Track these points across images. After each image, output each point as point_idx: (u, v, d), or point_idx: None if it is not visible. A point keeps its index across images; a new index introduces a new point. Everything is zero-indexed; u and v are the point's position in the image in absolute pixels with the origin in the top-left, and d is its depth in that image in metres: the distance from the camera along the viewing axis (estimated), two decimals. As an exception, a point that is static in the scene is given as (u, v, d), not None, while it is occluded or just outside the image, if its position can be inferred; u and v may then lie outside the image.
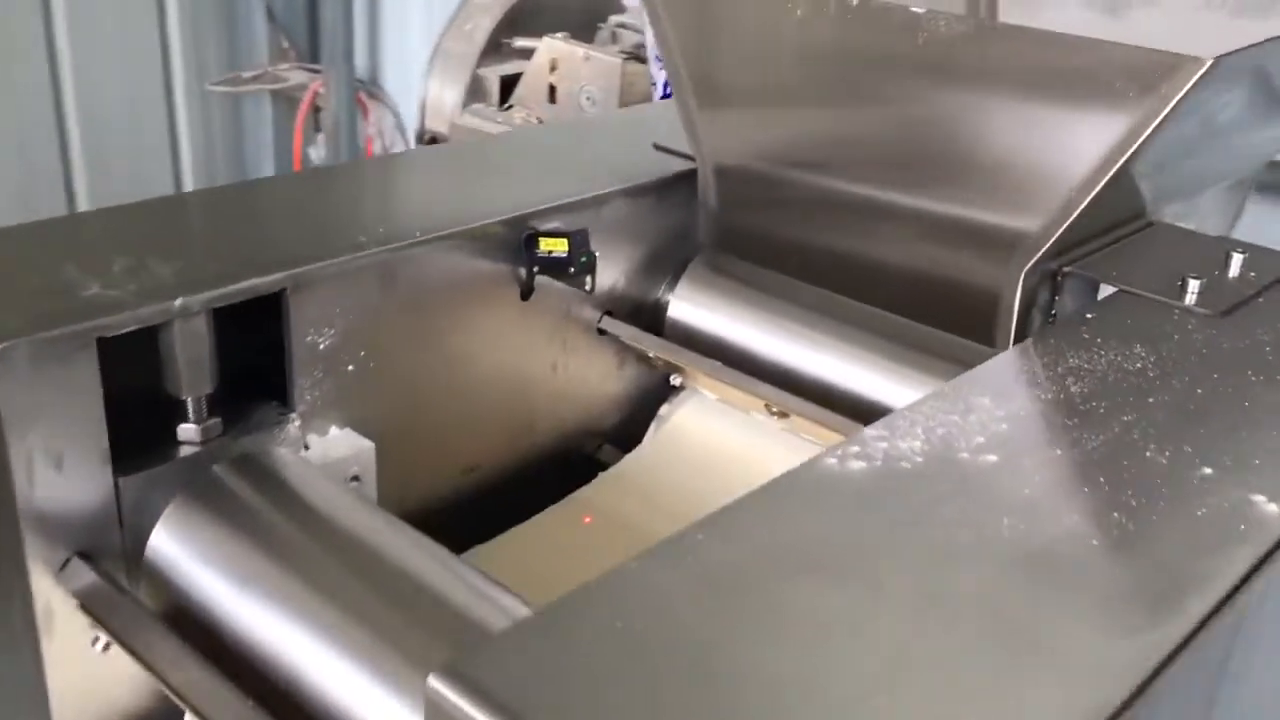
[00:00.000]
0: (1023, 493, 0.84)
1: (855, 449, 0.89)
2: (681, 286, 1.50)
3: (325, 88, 4.67)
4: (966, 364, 1.24)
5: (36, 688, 1.07)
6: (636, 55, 3.04)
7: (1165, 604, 0.74)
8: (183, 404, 1.11)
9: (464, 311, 1.32)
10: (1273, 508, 0.83)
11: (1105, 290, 1.24)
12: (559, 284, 1.35)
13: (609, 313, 1.47)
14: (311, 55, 5.00)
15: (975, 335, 1.25)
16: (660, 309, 1.52)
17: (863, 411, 1.29)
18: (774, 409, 1.34)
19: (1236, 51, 1.08)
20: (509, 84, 3.18)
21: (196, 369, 1.10)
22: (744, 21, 1.31)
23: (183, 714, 0.99)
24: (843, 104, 1.28)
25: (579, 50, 3.00)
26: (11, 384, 0.98)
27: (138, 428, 1.08)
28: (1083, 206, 1.13)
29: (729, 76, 1.37)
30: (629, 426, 1.56)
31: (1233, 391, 1.00)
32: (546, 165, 1.49)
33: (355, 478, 1.22)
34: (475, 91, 3.23)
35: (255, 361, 1.18)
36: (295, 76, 4.91)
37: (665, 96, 2.79)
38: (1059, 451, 0.90)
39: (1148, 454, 0.90)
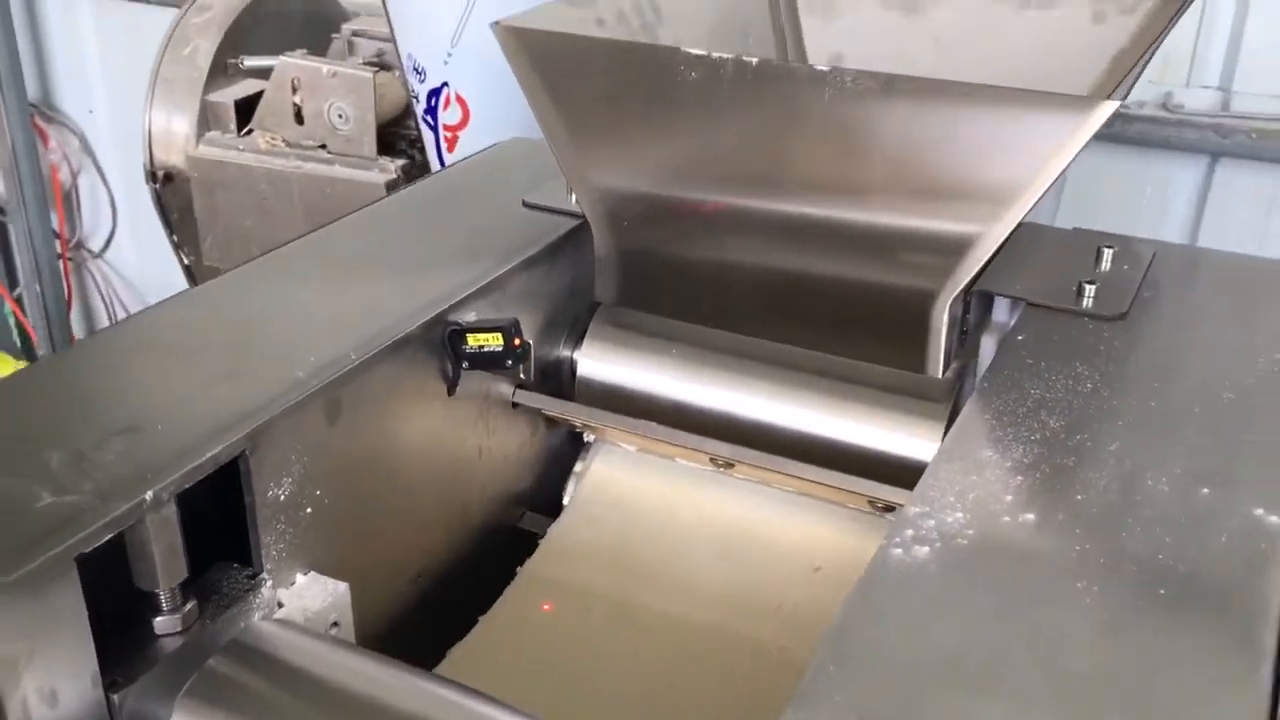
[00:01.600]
0: (1074, 550, 0.92)
1: (910, 533, 0.93)
2: (589, 345, 1.49)
3: (-7, 116, 4.25)
4: (900, 390, 1.32)
5: None
6: (382, 64, 2.93)
7: (1246, 638, 0.83)
8: (154, 595, 1.02)
9: (398, 421, 1.27)
10: (1275, 520, 0.94)
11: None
12: (478, 371, 1.32)
13: (520, 385, 1.44)
14: (-33, 82, 4.51)
15: (903, 362, 1.31)
16: (565, 368, 1.51)
17: (805, 449, 1.34)
18: (719, 462, 1.36)
19: (1121, 88, 1.18)
20: (245, 107, 2.99)
21: (171, 558, 1.01)
22: (632, 85, 1.31)
23: None
24: (743, 153, 1.30)
25: (323, 66, 2.86)
26: (3, 629, 0.87)
27: (105, 631, 0.99)
28: (1005, 237, 1.20)
29: (617, 136, 1.36)
30: (545, 489, 1.54)
31: (1176, 398, 1.11)
32: (433, 249, 1.43)
33: (335, 623, 1.15)
34: (207, 119, 3.02)
35: (200, 521, 1.09)
36: (-48, 108, 4.43)
37: (429, 110, 2.72)
38: (1080, 496, 0.98)
39: (1148, 481, 0.99)
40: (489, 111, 2.69)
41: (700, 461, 1.41)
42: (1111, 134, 2.70)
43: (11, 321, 4.65)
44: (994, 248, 1.22)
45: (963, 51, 1.73)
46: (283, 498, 1.11)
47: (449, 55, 2.62)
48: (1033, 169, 1.17)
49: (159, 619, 1.02)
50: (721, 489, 1.43)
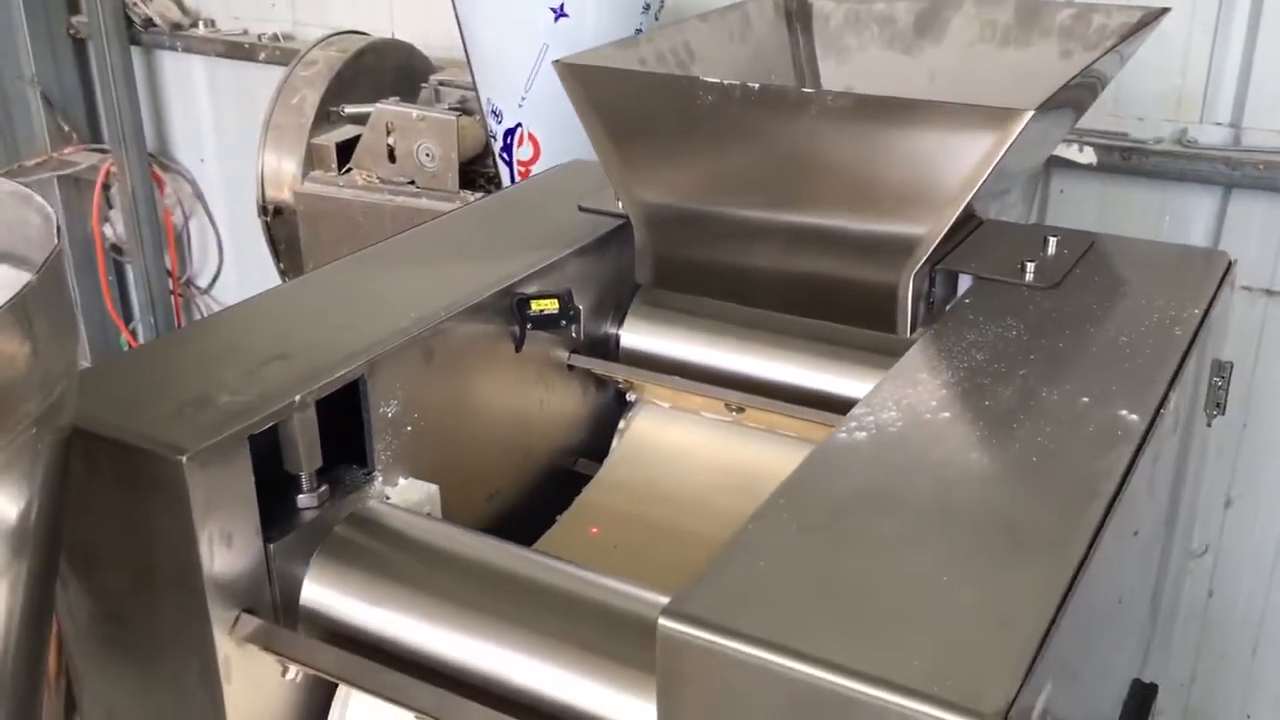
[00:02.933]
0: (975, 434, 1.23)
1: (854, 424, 1.25)
2: (630, 320, 1.84)
3: (117, 166, 4.72)
4: (877, 349, 1.64)
5: (221, 729, 1.32)
6: (465, 109, 3.33)
7: (1093, 490, 1.14)
8: (297, 478, 1.37)
9: (476, 368, 1.62)
10: (1134, 417, 1.25)
11: (964, 280, 1.66)
12: (541, 334, 1.67)
13: (575, 351, 1.79)
14: (93, 135, 5.03)
15: (879, 326, 1.64)
16: (612, 341, 1.85)
17: (803, 398, 1.67)
18: (732, 406, 1.69)
19: (1048, 99, 1.50)
20: (345, 149, 3.40)
21: (312, 449, 1.36)
22: (668, 111, 1.66)
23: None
24: (753, 162, 1.64)
25: (413, 111, 3.26)
26: (197, 483, 1.22)
27: (265, 501, 1.34)
28: (952, 222, 1.53)
29: (655, 154, 1.71)
30: (595, 440, 1.88)
31: (1082, 341, 1.43)
32: (504, 241, 1.79)
33: (428, 514, 1.50)
34: (312, 160, 3.44)
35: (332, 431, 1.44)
36: (81, 158, 4.94)
37: (505, 148, 3.10)
38: (988, 402, 1.29)
39: (1043, 394, 1.30)
40: (556, 146, 3.06)
41: (719, 410, 1.74)
42: (1130, 167, 2.96)
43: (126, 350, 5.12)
44: (940, 235, 1.55)
45: (952, 83, 2.08)
46: (390, 415, 1.46)
47: (523, 99, 3.01)
48: (966, 171, 1.50)
49: (301, 496, 1.37)
50: (737, 437, 1.76)
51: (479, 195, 3.25)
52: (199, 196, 4.98)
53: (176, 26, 4.62)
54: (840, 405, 1.64)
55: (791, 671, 0.93)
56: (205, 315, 5.11)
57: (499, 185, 3.23)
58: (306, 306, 1.58)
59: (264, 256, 3.68)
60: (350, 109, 3.46)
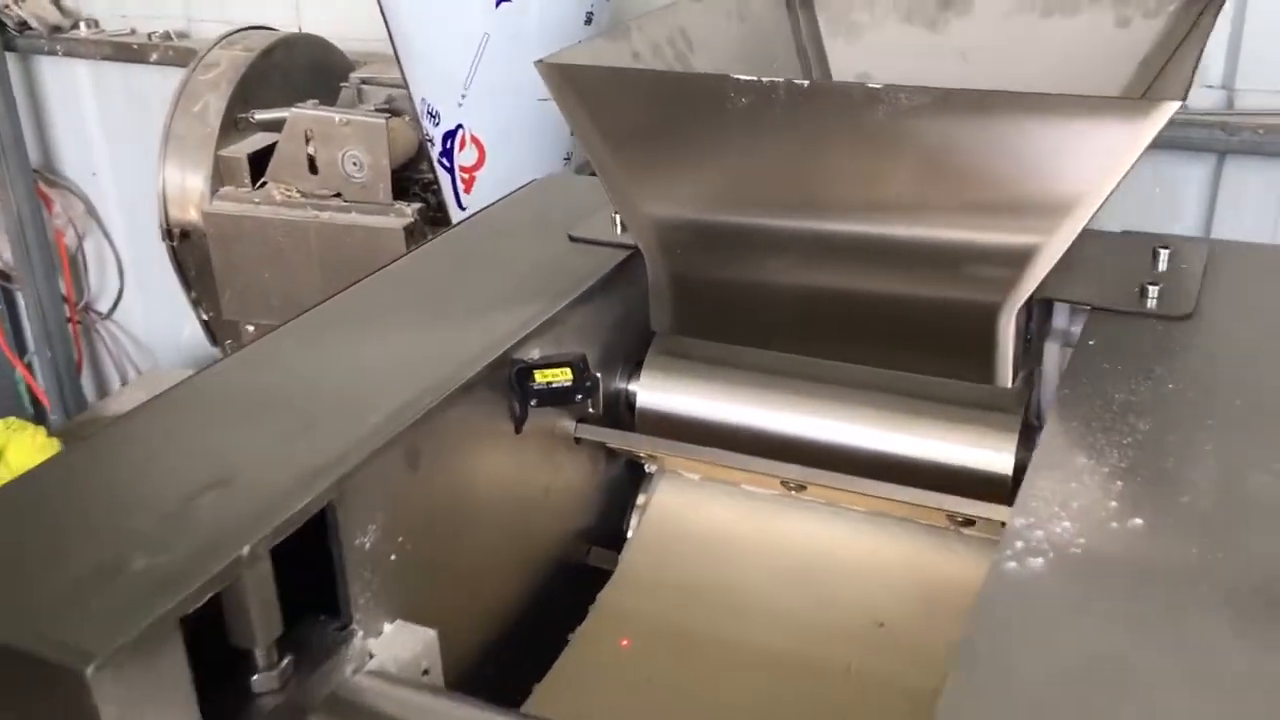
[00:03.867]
0: (1193, 551, 0.91)
1: (1020, 545, 0.92)
2: (647, 375, 1.48)
3: (-2, 186, 4.25)
4: (970, 402, 1.31)
5: None
6: (393, 110, 2.94)
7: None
8: (250, 653, 1.01)
9: (472, 464, 1.26)
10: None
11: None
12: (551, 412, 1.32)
13: (583, 419, 1.43)
14: (-34, 155, 4.52)
15: (970, 374, 1.31)
16: (623, 400, 1.50)
17: (876, 467, 1.33)
18: (790, 484, 1.35)
19: (1182, 87, 1.18)
20: (258, 161, 3.00)
21: (267, 614, 1.00)
22: (681, 113, 1.31)
23: None
24: (801, 175, 1.30)
25: (335, 116, 2.86)
26: (109, 697, 0.85)
27: (204, 690, 0.97)
28: (1071, 239, 1.20)
29: (667, 165, 1.36)
30: (607, 523, 1.54)
31: (1259, 389, 1.11)
32: (486, 290, 1.43)
33: (425, 670, 1.14)
34: (221, 174, 3.02)
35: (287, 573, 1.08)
36: (-45, 180, 4.44)
37: (444, 154, 2.73)
38: (1186, 498, 0.97)
39: (1251, 476, 0.99)
40: (504, 149, 2.70)
41: (769, 486, 1.41)
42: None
43: (22, 387, 4.64)
44: (1057, 256, 1.22)
45: (989, 63, 1.75)
46: (369, 546, 1.10)
47: (463, 98, 2.63)
48: (1095, 175, 1.17)
49: (257, 677, 1.01)
50: (789, 513, 1.43)
51: (416, 206, 2.88)
52: (92, 214, 4.51)
53: (56, 29, 4.14)
54: (926, 476, 1.31)
55: None
56: (109, 342, 4.66)
57: (438, 193, 2.86)
58: (247, 402, 1.20)
59: (171, 276, 3.26)
60: (261, 115, 3.05)
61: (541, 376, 1.26)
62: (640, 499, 1.52)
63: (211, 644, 0.98)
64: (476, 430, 1.26)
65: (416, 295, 1.43)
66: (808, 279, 1.35)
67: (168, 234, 3.11)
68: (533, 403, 1.28)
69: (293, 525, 1.00)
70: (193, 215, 3.08)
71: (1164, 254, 1.36)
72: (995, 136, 1.20)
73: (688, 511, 1.48)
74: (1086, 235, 1.41)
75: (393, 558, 1.13)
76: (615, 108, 1.35)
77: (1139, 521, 0.94)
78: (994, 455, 1.30)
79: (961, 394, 1.33)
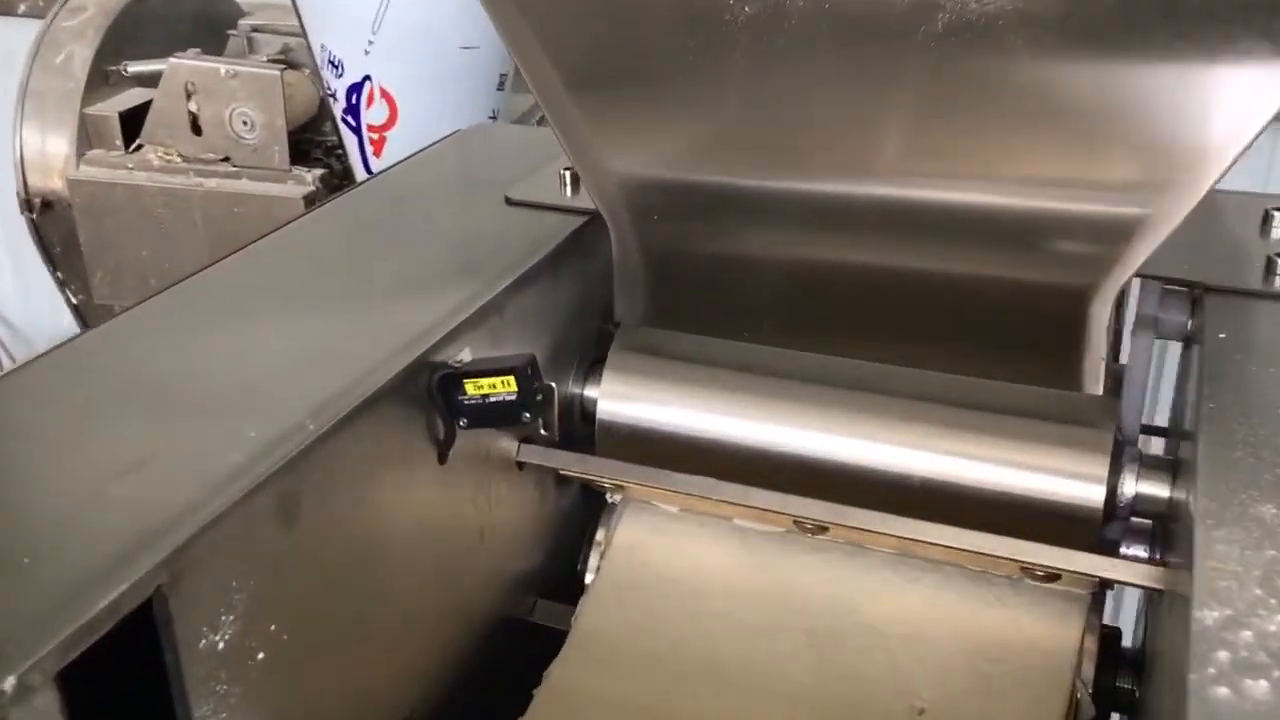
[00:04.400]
0: None
1: (1225, 655, 0.60)
2: (611, 378, 1.14)
3: None
4: (1043, 414, 0.99)
5: None
6: (290, 62, 2.56)
7: None
8: (35, 825, 0.65)
9: (377, 510, 0.91)
10: None
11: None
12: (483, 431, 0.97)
13: (526, 439, 1.09)
14: None
15: (1039, 378, 0.99)
16: (576, 409, 1.16)
17: (919, 500, 1.01)
18: (808, 527, 1.02)
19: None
20: (131, 120, 2.59)
21: (55, 772, 0.64)
22: (664, 33, 0.96)
23: None
24: (823, 123, 0.97)
25: (221, 67, 2.46)
26: None
27: None
28: (1190, 208, 0.89)
29: (645, 103, 1.01)
30: (555, 567, 1.19)
31: None
32: (401, 268, 1.07)
33: (312, 817, 0.79)
34: (89, 136, 2.61)
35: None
36: None
37: (349, 110, 2.35)
38: None
39: None
40: (418, 104, 2.32)
41: (772, 523, 1.07)
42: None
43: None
44: (1169, 230, 0.90)
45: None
46: (222, 645, 0.75)
47: (370, 44, 2.26)
48: (1232, 126, 0.85)
49: None
50: (797, 556, 1.10)
51: (318, 172, 2.49)
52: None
53: (-97, -28, 3.65)
54: (987, 513, 0.99)
55: None
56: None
57: (343, 158, 2.48)
58: (52, 421, 0.84)
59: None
60: (135, 67, 2.63)
61: (474, 388, 0.91)
62: (600, 535, 1.18)
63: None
64: (384, 462, 0.90)
65: (303, 276, 1.07)
66: (828, 253, 1.02)
67: (27, 205, 2.68)
68: (462, 423, 0.93)
69: (92, 634, 0.65)
70: (56, 183, 2.65)
71: (1277, 217, 1.05)
72: (1097, 78, 0.87)
73: (662, 554, 1.14)
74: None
75: (260, 656, 0.78)
76: (576, 27, 1.00)
77: (1381, 610, 0.63)
78: (1079, 485, 0.98)
79: (1031, 404, 1.01)
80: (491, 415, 0.92)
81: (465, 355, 0.95)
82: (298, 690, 0.82)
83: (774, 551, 1.10)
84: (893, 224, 0.97)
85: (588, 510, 1.21)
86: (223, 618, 0.75)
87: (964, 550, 0.96)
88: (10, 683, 0.60)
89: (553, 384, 0.95)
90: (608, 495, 1.18)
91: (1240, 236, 1.05)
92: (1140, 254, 0.91)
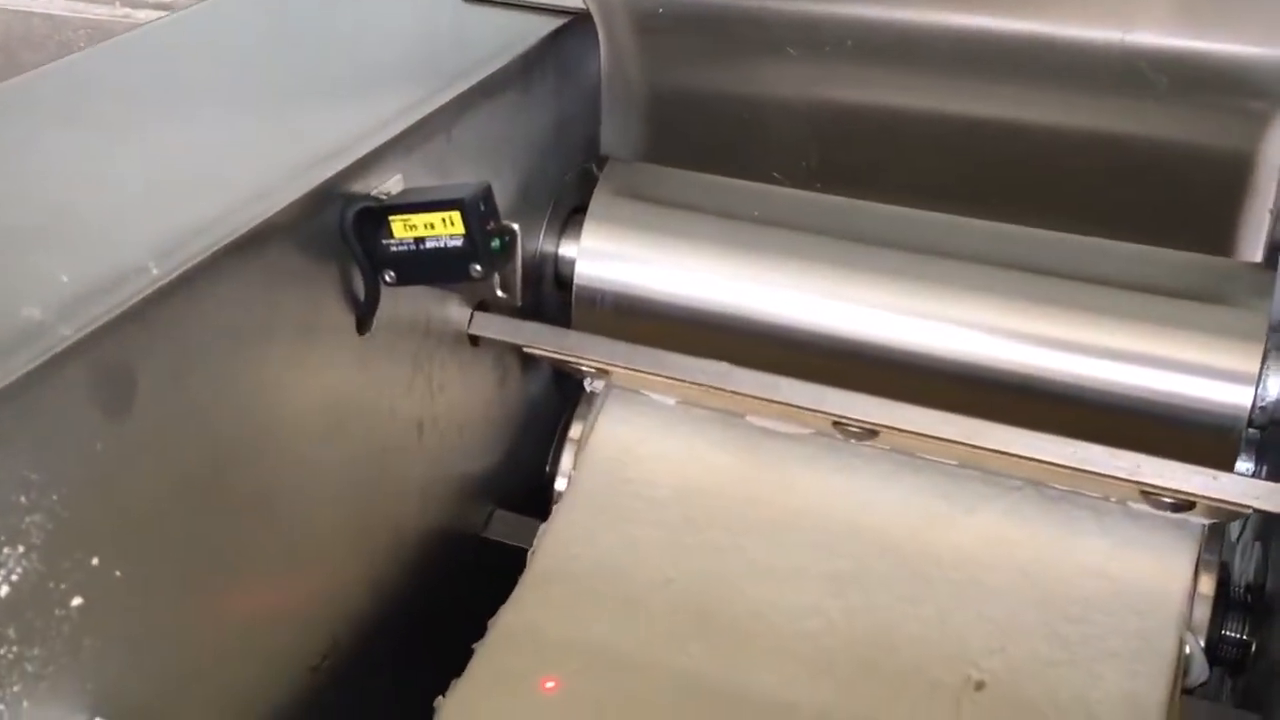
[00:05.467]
0: None
1: None
2: (592, 229, 0.88)
3: None
4: (1176, 289, 0.74)
5: None
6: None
7: None
8: None
9: (264, 399, 0.65)
10: None
11: None
12: (410, 290, 0.71)
13: (481, 306, 0.83)
14: None
15: (1178, 239, 0.74)
16: (549, 269, 0.90)
17: (1003, 396, 0.76)
18: (852, 430, 0.77)
19: None
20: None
21: None
22: None
23: None
24: None
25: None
26: None
27: None
28: None
29: None
30: (518, 471, 0.95)
31: None
32: (315, 69, 0.80)
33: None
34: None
35: None
36: None
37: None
38: None
39: None
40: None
41: (802, 425, 0.83)
42: None
43: None
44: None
45: None
46: (6, 591, 0.50)
47: None
48: None
49: None
50: (824, 465, 0.85)
51: None
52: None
53: None
54: (1096, 414, 0.74)
55: None
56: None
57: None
58: None
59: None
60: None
61: (405, 228, 0.65)
62: (575, 432, 0.93)
63: None
64: (273, 330, 0.65)
65: (186, 73, 0.80)
66: (886, 67, 0.75)
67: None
68: (388, 277, 0.67)
69: None
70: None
71: None
72: None
73: (652, 460, 0.90)
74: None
75: (75, 602, 0.53)
76: None
77: None
78: (1223, 385, 0.73)
79: (1160, 271, 0.76)
80: (429, 267, 0.66)
81: (394, 186, 0.69)
82: (142, 648, 0.58)
83: (797, 463, 0.86)
84: (958, 54, 0.71)
85: (561, 401, 0.97)
86: (5, 550, 0.50)
87: (1059, 466, 0.72)
88: None
89: (515, 226, 0.68)
90: (586, 382, 0.92)
91: None
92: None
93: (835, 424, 0.78)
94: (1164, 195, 0.73)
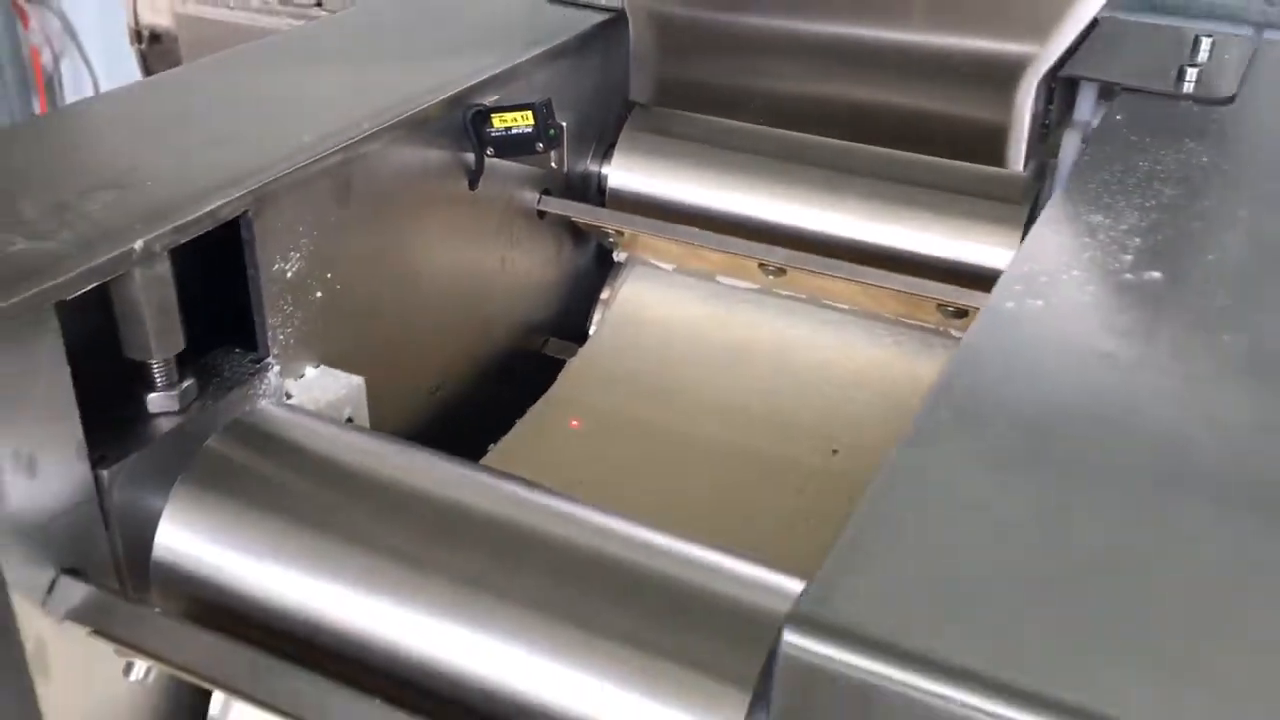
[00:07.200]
0: (1217, 306, 0.79)
1: (1020, 288, 0.81)
2: (621, 152, 1.35)
3: (-28, -4, 4.06)
4: (973, 190, 1.19)
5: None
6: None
7: None
8: (147, 369, 0.89)
9: (416, 213, 1.13)
10: None
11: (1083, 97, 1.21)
12: (502, 168, 1.19)
13: (547, 192, 1.31)
14: (-59, -40, 4.31)
15: (977, 156, 1.18)
16: (594, 182, 1.38)
17: (864, 258, 1.21)
18: (769, 268, 1.23)
19: None
20: (236, -36, 2.82)
21: (165, 323, 0.88)
22: None
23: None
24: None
25: (320, -88, 2.68)
26: (-35, 381, 0.74)
27: (94, 409, 0.86)
28: (1100, 6, 1.07)
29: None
30: (570, 316, 1.42)
31: (1299, 173, 0.99)
32: (447, 38, 1.29)
33: (349, 419, 1.03)
34: (196, -24, 2.85)
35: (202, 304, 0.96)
36: (-71, -13, 4.23)
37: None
38: (1212, 255, 0.85)
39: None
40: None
41: (746, 278, 1.29)
42: (1151, 4, 2.56)
43: (-8, 211, 4.48)
44: (1090, 14, 1.09)
45: None
46: (290, 275, 0.98)
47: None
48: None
49: (153, 395, 0.89)
50: (761, 309, 1.31)
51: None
52: (69, 32, 4.31)
53: None
54: (922, 268, 1.19)
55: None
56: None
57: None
58: (156, 115, 1.07)
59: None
60: (241, -86, 2.86)
61: (500, 120, 1.13)
62: (605, 292, 1.40)
63: (110, 360, 0.88)
64: (424, 176, 1.13)
65: (364, 39, 1.29)
66: (813, 38, 1.22)
67: (137, 37, 2.93)
68: (490, 151, 1.15)
69: (198, 229, 0.88)
70: (164, 19, 2.90)
71: (1206, 43, 1.22)
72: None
73: (656, 304, 1.37)
74: (1119, 24, 1.28)
75: (318, 295, 1.02)
76: None
77: (1156, 275, 0.83)
78: (994, 250, 1.18)
79: (965, 181, 1.21)
80: (513, 145, 1.14)
81: (494, 100, 1.17)
82: (346, 334, 1.06)
83: (746, 306, 1.32)
84: (853, 42, 1.17)
85: (599, 273, 1.43)
86: (291, 254, 0.98)
87: (891, 290, 1.16)
88: (139, 245, 0.84)
89: (563, 123, 1.16)
90: (615, 255, 1.39)
91: (1172, 55, 1.22)
92: (1063, 39, 1.10)
93: (760, 265, 1.24)
94: (958, 128, 1.18)
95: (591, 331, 1.39)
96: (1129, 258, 0.84)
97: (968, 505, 0.62)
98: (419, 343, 1.19)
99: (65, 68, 4.35)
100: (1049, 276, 0.82)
